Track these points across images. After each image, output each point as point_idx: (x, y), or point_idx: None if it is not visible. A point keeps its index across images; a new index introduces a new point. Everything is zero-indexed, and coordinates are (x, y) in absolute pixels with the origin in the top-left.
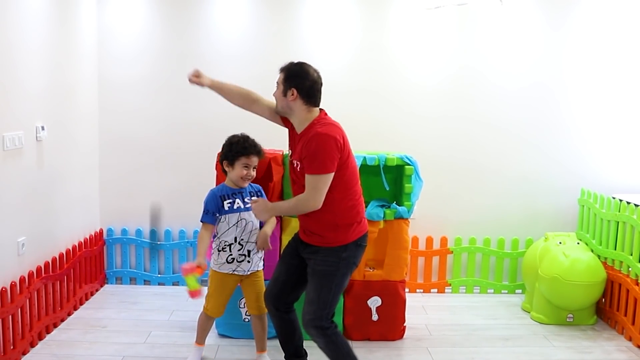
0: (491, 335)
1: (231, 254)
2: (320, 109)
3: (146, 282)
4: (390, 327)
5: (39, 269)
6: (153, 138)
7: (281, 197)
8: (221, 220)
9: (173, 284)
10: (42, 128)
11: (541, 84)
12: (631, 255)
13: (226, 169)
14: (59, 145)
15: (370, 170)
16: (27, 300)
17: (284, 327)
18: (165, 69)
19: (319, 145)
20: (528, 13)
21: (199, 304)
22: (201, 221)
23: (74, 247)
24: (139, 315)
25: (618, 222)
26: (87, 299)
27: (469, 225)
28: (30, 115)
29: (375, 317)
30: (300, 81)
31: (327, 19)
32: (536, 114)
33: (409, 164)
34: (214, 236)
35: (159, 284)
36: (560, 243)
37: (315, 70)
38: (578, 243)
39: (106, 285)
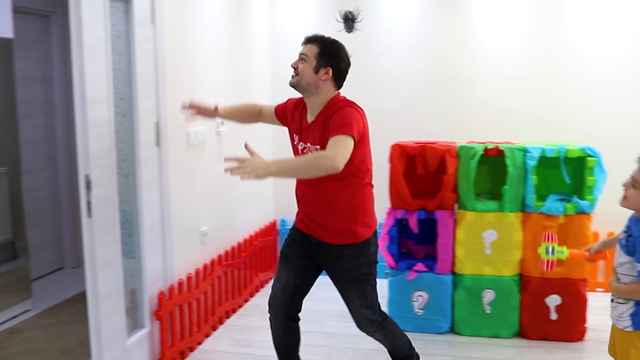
0: None
1: None
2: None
3: None
4: (570, 328)
5: (219, 257)
6: None
7: (455, 191)
8: None
9: None
10: (222, 123)
11: None
12: None
13: None
14: (236, 138)
15: (549, 162)
16: (210, 287)
17: (290, 339)
18: None
19: (347, 113)
20: None
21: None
22: None
23: (250, 237)
24: (312, 305)
25: None
26: (262, 287)
27: None
28: None
29: (554, 316)
30: (338, 61)
31: (498, 4)
32: None
33: (591, 156)
34: None
35: None
36: None
37: (348, 52)
38: None
39: None
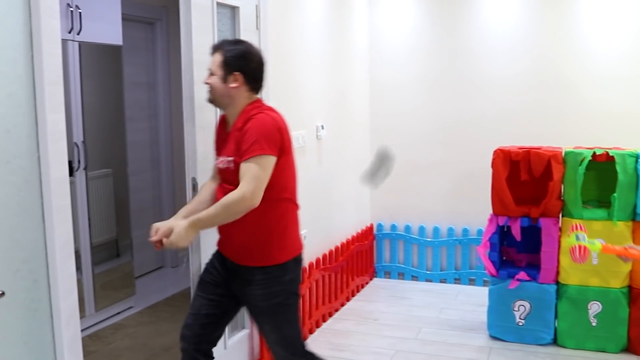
0: None
1: None
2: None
3: (414, 277)
4: None
5: (317, 261)
6: (422, 136)
7: (560, 198)
8: None
9: (440, 281)
10: (322, 127)
11: None
12: None
13: None
14: (335, 143)
15: None
16: (308, 290)
17: None
18: (436, 67)
19: (259, 124)
20: None
21: (469, 302)
22: None
23: (347, 241)
24: (409, 311)
25: None
26: (357, 291)
27: None
28: (311, 116)
29: None
30: (245, 63)
31: (605, 2)
32: None
33: None
34: None
35: (426, 281)
36: None
37: (259, 50)
38: None
39: (375, 279)
